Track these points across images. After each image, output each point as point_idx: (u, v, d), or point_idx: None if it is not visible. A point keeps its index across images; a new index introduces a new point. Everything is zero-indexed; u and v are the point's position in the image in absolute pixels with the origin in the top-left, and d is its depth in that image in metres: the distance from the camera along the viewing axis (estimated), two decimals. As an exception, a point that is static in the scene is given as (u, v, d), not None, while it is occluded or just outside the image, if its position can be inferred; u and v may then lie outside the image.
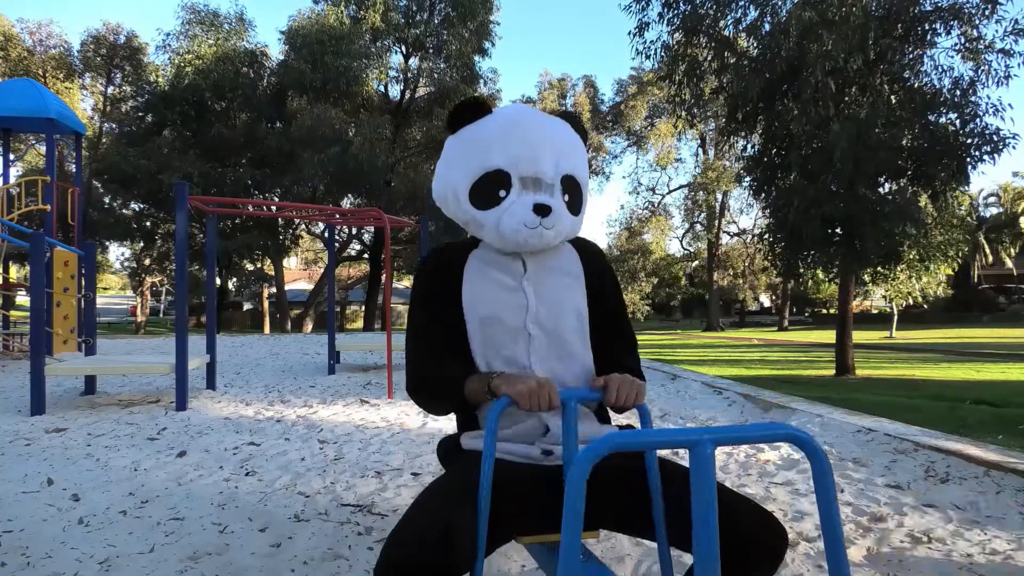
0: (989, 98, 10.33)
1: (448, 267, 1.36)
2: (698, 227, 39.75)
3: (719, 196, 36.43)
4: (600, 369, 1.37)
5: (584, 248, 1.43)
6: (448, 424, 4.30)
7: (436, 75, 23.79)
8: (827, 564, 0.82)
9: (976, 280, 38.40)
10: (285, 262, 29.89)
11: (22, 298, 17.61)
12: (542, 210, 1.22)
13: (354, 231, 26.03)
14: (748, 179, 13.92)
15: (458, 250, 1.39)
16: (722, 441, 0.83)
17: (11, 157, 10.28)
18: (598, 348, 1.39)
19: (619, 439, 0.83)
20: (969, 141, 10.28)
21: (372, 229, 22.84)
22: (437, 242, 19.67)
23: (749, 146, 13.37)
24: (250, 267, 28.72)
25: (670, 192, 39.65)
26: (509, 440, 1.31)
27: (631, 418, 3.35)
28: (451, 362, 1.33)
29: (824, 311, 42.82)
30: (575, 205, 1.30)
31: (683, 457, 2.81)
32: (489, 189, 1.25)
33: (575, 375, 1.34)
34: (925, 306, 23.31)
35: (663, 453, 1.31)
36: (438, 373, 1.33)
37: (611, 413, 1.34)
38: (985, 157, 10.20)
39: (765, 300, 50.93)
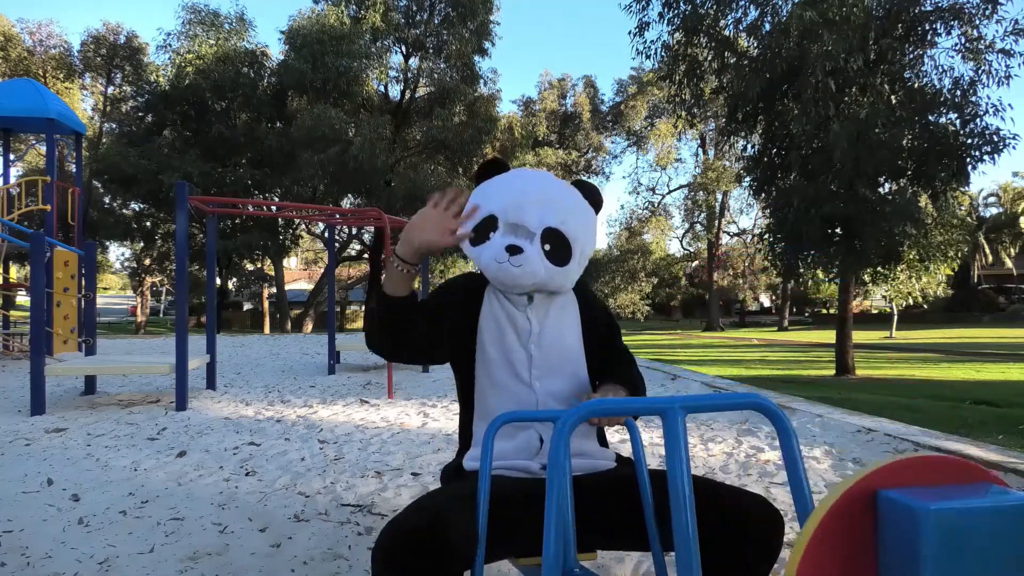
0: (989, 98, 10.34)
1: (473, 290, 1.52)
2: (698, 227, 39.74)
3: (719, 196, 36.43)
4: (597, 385, 1.49)
5: (579, 288, 1.60)
6: (449, 423, 4.31)
7: (436, 75, 23.76)
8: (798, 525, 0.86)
9: (976, 280, 38.40)
10: (285, 262, 29.89)
11: (22, 298, 17.62)
12: (512, 250, 1.37)
13: (354, 231, 26.02)
14: (748, 179, 13.91)
15: (482, 280, 1.55)
16: (692, 408, 0.88)
17: (11, 157, 10.27)
18: (596, 366, 1.52)
19: (596, 405, 0.91)
20: (969, 141, 10.27)
21: (372, 229, 22.84)
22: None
23: (749, 146, 13.35)
24: (250, 267, 28.71)
25: (670, 192, 39.71)
26: (508, 457, 1.40)
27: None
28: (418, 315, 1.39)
29: (824, 311, 42.78)
30: (557, 256, 1.41)
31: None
32: (484, 230, 1.43)
33: (573, 391, 1.45)
34: (925, 306, 23.28)
35: (653, 466, 1.37)
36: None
37: (607, 436, 1.45)
38: (985, 157, 10.20)
39: (765, 300, 50.91)
